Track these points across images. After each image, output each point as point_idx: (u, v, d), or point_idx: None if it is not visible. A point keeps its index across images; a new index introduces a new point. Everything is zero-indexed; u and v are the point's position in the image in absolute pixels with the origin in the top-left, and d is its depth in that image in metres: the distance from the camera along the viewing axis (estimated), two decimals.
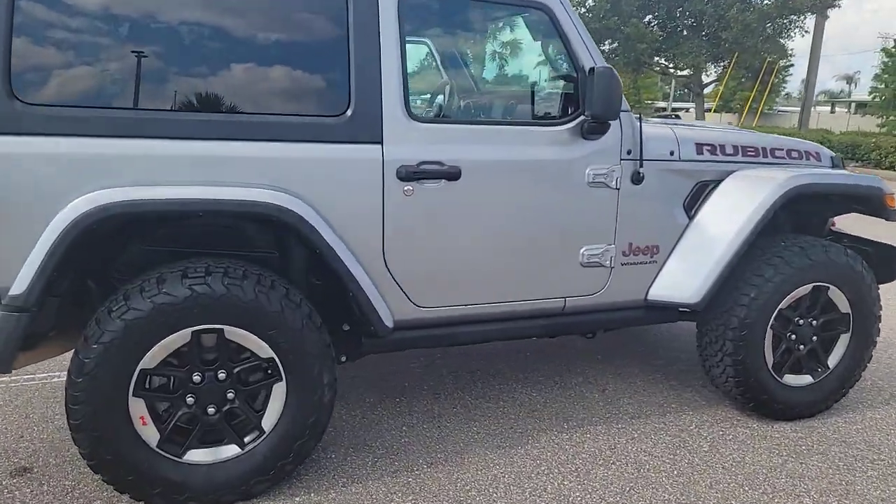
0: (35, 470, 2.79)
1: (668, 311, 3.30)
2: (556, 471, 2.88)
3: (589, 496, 2.70)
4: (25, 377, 3.68)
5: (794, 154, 3.51)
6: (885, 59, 29.39)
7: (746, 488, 2.80)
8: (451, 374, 3.89)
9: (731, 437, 3.24)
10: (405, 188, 2.68)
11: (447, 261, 2.83)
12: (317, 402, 2.59)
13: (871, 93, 31.87)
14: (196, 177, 2.41)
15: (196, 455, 2.53)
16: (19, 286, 2.24)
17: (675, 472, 2.90)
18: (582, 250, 3.04)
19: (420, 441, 3.10)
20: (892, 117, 27.33)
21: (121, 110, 2.36)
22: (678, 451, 3.07)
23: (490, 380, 3.83)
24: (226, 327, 2.44)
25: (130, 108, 2.37)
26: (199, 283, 2.37)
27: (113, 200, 2.27)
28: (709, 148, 3.26)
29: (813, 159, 3.58)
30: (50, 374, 3.74)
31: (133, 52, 2.37)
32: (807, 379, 3.40)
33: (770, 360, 3.28)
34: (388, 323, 2.71)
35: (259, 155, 2.48)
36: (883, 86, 29.31)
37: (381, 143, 2.64)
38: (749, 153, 3.36)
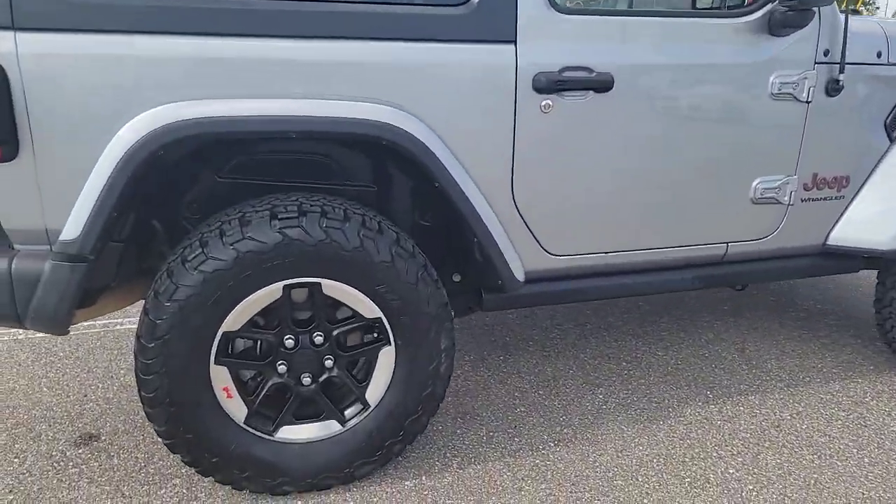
0: (102, 437, 2.41)
1: (851, 260, 2.67)
2: (714, 454, 2.36)
3: (766, 491, 2.18)
4: (85, 324, 3.31)
5: None
6: None
7: None
8: (557, 328, 3.37)
9: None
10: (542, 103, 2.08)
11: (588, 196, 2.24)
12: (432, 371, 2.10)
13: None
14: (274, 87, 1.86)
15: (290, 432, 2.09)
16: (72, 230, 1.77)
17: (867, 461, 2.34)
18: (755, 183, 2.41)
19: (538, 411, 2.61)
20: None
21: None
22: (861, 432, 2.51)
23: (603, 334, 3.30)
24: (324, 281, 1.95)
25: None
26: (291, 226, 1.86)
27: (183, 118, 1.75)
28: None
29: None
30: (112, 320, 3.36)
31: None
32: None
33: None
34: (519, 275, 2.17)
35: (355, 58, 1.90)
36: None
37: (514, 42, 2.03)
38: None
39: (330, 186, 2.21)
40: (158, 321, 1.84)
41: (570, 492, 2.15)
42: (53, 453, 2.32)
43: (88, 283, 1.83)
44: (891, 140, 2.56)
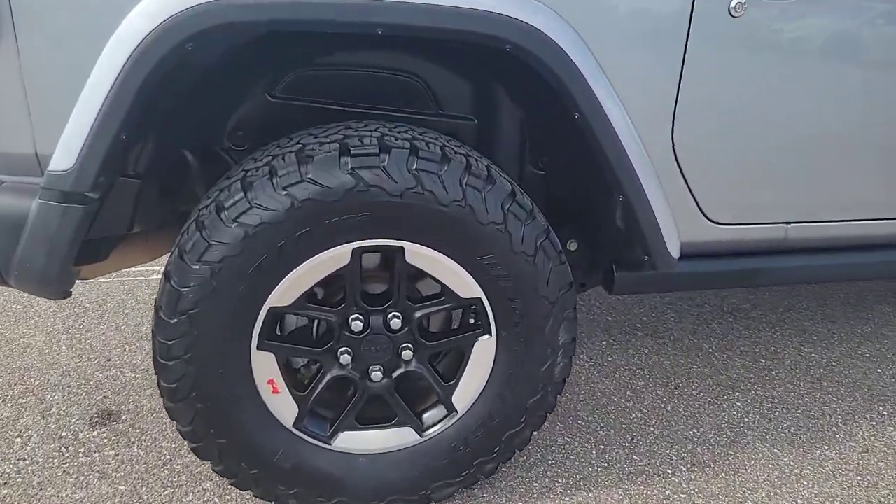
0: (123, 416, 1.97)
1: None
2: None
3: None
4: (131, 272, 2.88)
5: None
6: None
7: None
8: (670, 308, 2.77)
9: None
10: (731, 4, 1.45)
11: (776, 139, 1.62)
12: (544, 372, 1.56)
13: None
14: None
15: (352, 440, 1.58)
16: (64, 158, 1.25)
17: None
18: None
19: (659, 419, 2.05)
20: None
21: None
22: None
23: (729, 319, 2.69)
24: (408, 245, 1.41)
25: None
26: (368, 166, 1.31)
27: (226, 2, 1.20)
28: None
29: None
30: (149, 267, 2.93)
31: None
32: None
33: None
34: (674, 248, 1.58)
35: None
36: None
37: None
38: None
39: (415, 116, 1.65)
40: (184, 290, 1.33)
41: None
42: (63, 434, 1.89)
43: (90, 231, 1.33)
44: None
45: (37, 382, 2.12)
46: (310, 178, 1.30)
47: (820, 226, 1.73)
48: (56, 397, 2.05)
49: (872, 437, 2.01)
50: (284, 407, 1.51)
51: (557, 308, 1.50)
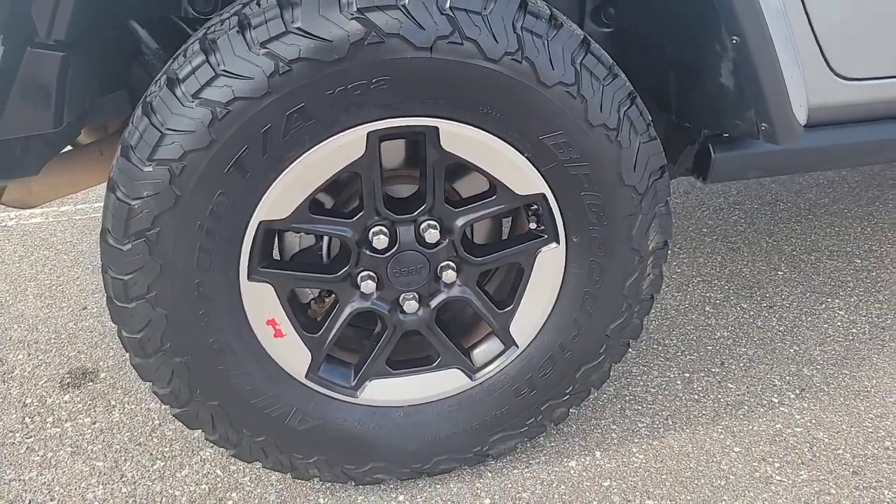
0: (101, 375, 1.63)
1: None
2: None
3: None
4: (96, 205, 2.51)
5: None
6: None
7: None
8: (736, 207, 2.38)
9: None
10: None
11: None
12: (630, 287, 1.18)
13: None
14: None
15: (384, 390, 1.23)
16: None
17: None
18: None
19: (751, 336, 1.69)
20: None
21: None
22: None
23: (809, 217, 2.29)
24: (443, 124, 1.00)
25: None
26: (382, 7, 0.90)
27: None
28: None
29: None
30: None
31: None
32: None
33: None
34: (801, 113, 1.16)
35: None
36: None
37: None
38: None
39: None
40: (135, 202, 0.95)
41: (854, 484, 1.26)
42: (28, 400, 1.56)
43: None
44: None
45: (0, 338, 1.77)
46: (298, 28, 0.89)
47: None
48: (20, 357, 1.70)
49: None
50: (292, 354, 1.15)
51: (648, 200, 1.11)
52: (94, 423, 1.48)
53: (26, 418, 1.50)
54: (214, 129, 0.91)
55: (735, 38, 1.06)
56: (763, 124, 1.14)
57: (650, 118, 1.09)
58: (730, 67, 1.12)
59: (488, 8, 0.94)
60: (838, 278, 1.93)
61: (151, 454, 1.39)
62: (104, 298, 1.84)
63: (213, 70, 0.90)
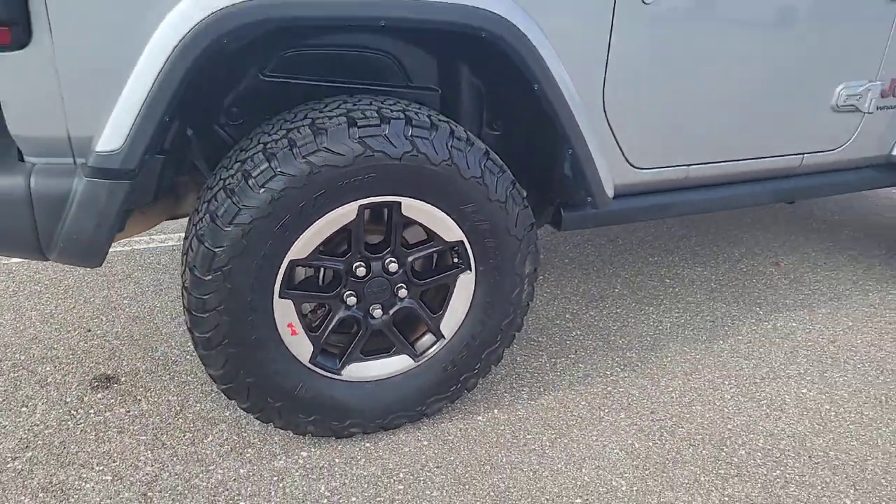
0: (122, 379, 2.12)
1: None
2: (782, 374, 2.29)
3: (842, 410, 2.13)
4: None
5: None
6: None
7: None
8: (589, 244, 3.20)
9: None
10: None
11: (678, 102, 2.01)
12: (514, 298, 1.89)
13: None
14: None
15: (359, 370, 1.86)
16: (113, 139, 1.41)
17: None
18: (839, 88, 2.23)
19: (595, 334, 2.47)
20: None
21: None
22: None
23: (637, 250, 3.15)
24: (404, 199, 1.67)
25: None
26: (373, 135, 1.56)
27: (254, 2, 1.38)
28: None
29: None
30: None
31: None
32: None
33: None
34: (609, 190, 1.94)
35: None
36: None
37: None
38: None
39: (387, 88, 1.89)
40: (218, 249, 1.53)
41: (652, 421, 2.04)
42: (68, 399, 2.02)
43: (130, 204, 1.50)
44: None
45: (22, 357, 2.20)
46: (325, 147, 1.53)
47: (711, 166, 2.16)
48: (48, 368, 2.15)
49: (753, 331, 2.52)
50: (301, 346, 1.76)
51: (524, 244, 1.83)
52: (128, 412, 1.98)
53: (72, 411, 1.97)
54: (272, 205, 1.52)
55: (570, 149, 1.82)
56: (588, 197, 1.91)
57: (525, 194, 1.81)
58: (569, 166, 1.88)
59: (432, 135, 1.62)
60: (654, 293, 2.76)
61: (181, 429, 1.92)
62: (103, 322, 2.34)
63: (273, 171, 1.51)
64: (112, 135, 1.40)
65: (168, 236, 3.10)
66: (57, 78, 1.41)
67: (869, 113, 2.32)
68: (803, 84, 2.16)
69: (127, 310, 2.49)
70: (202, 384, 2.11)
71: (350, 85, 1.86)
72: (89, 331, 2.36)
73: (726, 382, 2.22)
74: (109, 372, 2.15)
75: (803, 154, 2.31)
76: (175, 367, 2.18)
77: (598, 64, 1.84)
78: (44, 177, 1.46)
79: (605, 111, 1.91)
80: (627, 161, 2.02)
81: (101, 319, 2.43)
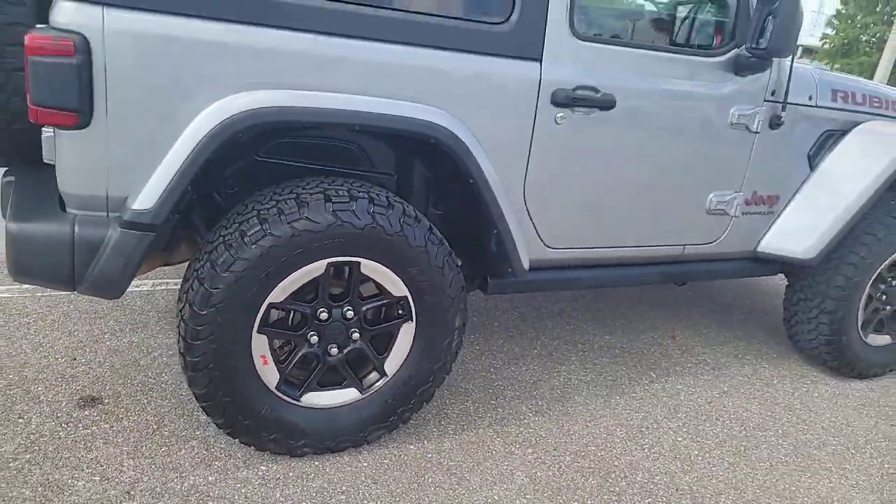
0: (105, 400, 2.46)
1: (771, 265, 3.18)
2: (664, 425, 2.78)
3: (708, 456, 2.62)
4: None
5: None
6: (840, 7, 29.58)
7: (853, 451, 2.78)
8: (516, 311, 3.70)
9: (816, 394, 3.21)
10: (557, 115, 2.36)
11: (583, 198, 2.57)
12: (446, 346, 2.34)
13: (822, 38, 31.90)
14: (345, 82, 2.02)
15: (315, 398, 2.26)
16: (147, 200, 1.85)
17: (781, 432, 2.85)
18: (711, 196, 2.83)
19: (513, 385, 2.92)
20: (837, 66, 27.77)
21: None
22: (774, 408, 3.03)
23: (557, 319, 3.66)
24: (363, 260, 2.13)
25: None
26: (343, 210, 2.03)
27: (275, 104, 1.88)
28: (842, 95, 3.05)
29: None
30: None
31: None
32: (885, 339, 3.40)
33: (860, 319, 3.25)
34: (526, 263, 2.45)
35: (407, 62, 2.10)
36: (834, 33, 29.65)
37: (540, 60, 2.29)
38: (875, 103, 3.18)
39: (354, 172, 2.38)
40: (214, 290, 1.95)
41: (554, 456, 2.48)
42: (59, 414, 2.35)
43: (150, 251, 1.92)
44: (811, 168, 3.08)
45: (16, 378, 2.52)
46: (306, 217, 1.99)
47: (609, 250, 2.71)
48: (40, 388, 2.47)
49: (645, 390, 3.02)
50: (270, 374, 2.16)
51: (456, 302, 2.29)
52: (111, 427, 2.32)
53: (63, 424, 2.30)
54: (261, 258, 1.96)
55: (496, 230, 2.33)
56: (509, 268, 2.41)
57: (459, 262, 2.30)
58: (494, 244, 2.38)
59: (389, 212, 2.10)
60: (566, 354, 3.25)
61: (157, 443, 2.27)
62: (87, 352, 2.68)
63: (264, 232, 1.96)
64: (147, 196, 1.84)
65: (143, 282, 3.45)
66: (106, 152, 1.85)
67: (736, 217, 2.92)
68: (682, 190, 2.75)
69: (108, 343, 2.83)
70: (175, 407, 2.46)
71: (325, 167, 2.34)
72: (75, 359, 2.69)
73: (618, 430, 2.70)
74: (94, 394, 2.48)
75: (685, 245, 2.89)
76: (152, 392, 2.53)
77: (520, 166, 2.38)
78: (86, 226, 1.88)
79: (525, 201, 2.44)
80: (542, 241, 2.55)
81: (85, 350, 2.76)
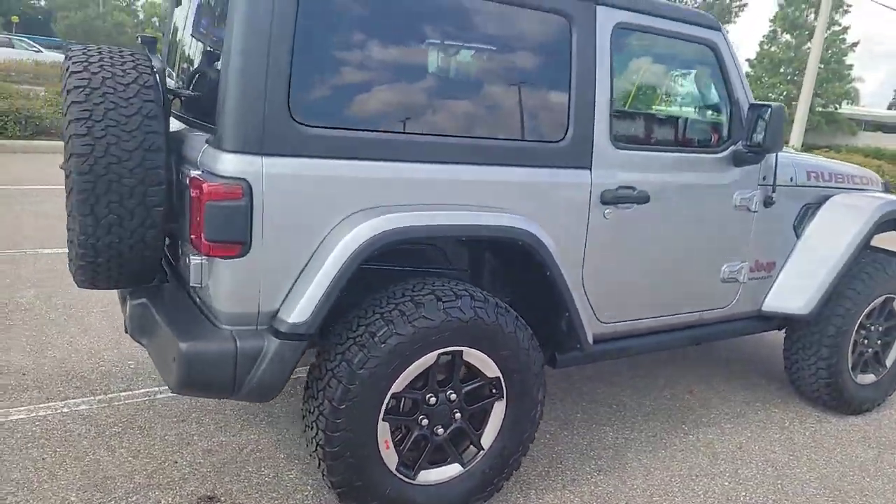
0: (222, 498, 2.65)
1: (773, 321, 3.67)
2: (710, 472, 3.15)
3: (754, 495, 2.99)
4: (123, 394, 3.41)
5: (865, 180, 3.99)
6: (748, 69, 32.12)
7: (868, 479, 3.21)
8: (549, 377, 4.04)
9: (823, 431, 3.67)
10: (605, 211, 2.81)
11: (627, 277, 3.00)
12: (532, 418, 2.67)
13: None
14: (444, 200, 2.42)
15: (426, 476, 2.54)
16: (302, 313, 2.15)
17: (806, 468, 3.26)
18: (724, 267, 3.31)
19: (572, 449, 3.25)
20: None
21: (389, 134, 2.33)
22: (793, 448, 3.45)
23: (589, 383, 4.03)
24: (465, 349, 2.47)
25: (399, 133, 2.36)
26: (452, 307, 2.38)
27: (403, 225, 2.24)
28: (814, 174, 3.65)
29: (872, 185, 4.08)
30: (150, 389, 3.48)
31: (400, 80, 2.39)
32: (871, 377, 3.91)
33: (850, 362, 3.75)
34: (590, 338, 2.83)
35: (494, 179, 2.53)
36: None
37: (589, 168, 2.75)
38: (838, 179, 3.79)
39: (435, 269, 2.74)
40: (351, 386, 2.25)
41: None
42: None
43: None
44: (797, 237, 3.62)
45: (131, 485, 2.68)
46: (423, 315, 2.33)
47: (648, 320, 3.13)
48: (157, 493, 2.64)
49: (683, 442, 3.40)
50: (391, 457, 2.44)
51: (539, 378, 2.64)
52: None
53: None
54: (389, 355, 2.27)
55: (567, 313, 2.71)
56: (578, 345, 2.79)
57: (539, 344, 2.65)
58: (565, 325, 2.76)
59: (486, 306, 2.45)
60: (608, 417, 3.61)
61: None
62: (187, 453, 2.88)
63: (391, 332, 2.27)
64: (303, 310, 2.15)
65: None
66: (260, 275, 2.16)
67: (744, 282, 3.41)
68: (702, 263, 3.23)
69: (200, 444, 3.02)
70: (285, 497, 2.68)
71: (411, 269, 2.70)
72: (175, 462, 2.87)
73: (672, 480, 3.05)
74: (208, 493, 2.68)
75: (704, 310, 3.34)
76: (261, 487, 2.74)
77: (579, 256, 2.79)
78: (245, 340, 2.16)
79: (583, 285, 2.85)
80: (596, 317, 2.94)
81: (182, 452, 2.94)
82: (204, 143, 2.25)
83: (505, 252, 2.75)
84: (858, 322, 3.69)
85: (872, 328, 3.83)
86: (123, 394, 3.42)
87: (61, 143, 2.39)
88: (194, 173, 2.19)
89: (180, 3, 3.08)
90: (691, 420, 3.67)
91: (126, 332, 3.08)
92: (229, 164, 2.10)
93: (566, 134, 2.68)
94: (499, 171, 2.54)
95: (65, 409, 3.23)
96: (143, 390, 3.46)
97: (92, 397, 3.35)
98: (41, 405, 3.23)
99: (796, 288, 3.54)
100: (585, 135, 2.72)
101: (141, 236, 2.33)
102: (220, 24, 2.41)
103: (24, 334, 4.03)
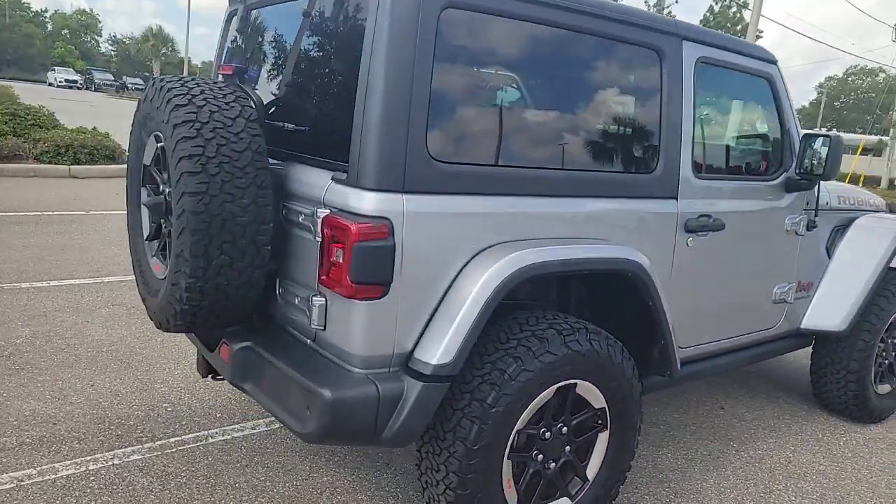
0: None
1: (808, 338, 3.84)
2: (774, 488, 3.25)
3: None
4: (173, 439, 3.20)
5: (875, 203, 4.26)
6: None
7: None
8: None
9: (854, 441, 3.86)
10: (688, 239, 2.88)
11: (704, 302, 3.08)
12: (630, 446, 2.69)
13: None
14: (557, 233, 2.42)
15: None
16: (446, 354, 2.09)
17: (854, 479, 3.42)
18: (775, 288, 3.45)
19: (641, 473, 3.27)
20: None
21: (516, 169, 2.32)
22: (836, 458, 3.61)
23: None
24: (579, 381, 2.46)
25: (524, 167, 2.36)
26: (572, 341, 2.37)
27: (538, 260, 2.22)
28: (843, 199, 3.87)
29: (880, 207, 4.36)
30: (200, 433, 3.28)
31: (525, 117, 2.46)
32: (887, 387, 4.15)
33: (872, 374, 3.97)
34: (678, 364, 2.88)
35: (602, 209, 2.57)
36: None
37: (676, 198, 2.81)
38: (860, 203, 4.03)
39: (530, 302, 2.73)
40: (486, 426, 2.20)
41: None
42: None
43: None
44: (829, 257, 3.82)
45: None
46: (548, 350, 2.31)
47: (717, 342, 3.22)
48: None
49: (738, 459, 3.50)
50: (511, 496, 2.39)
51: (637, 407, 2.66)
52: None
53: None
54: (519, 391, 2.23)
55: (663, 340, 2.75)
56: (668, 372, 2.83)
57: (639, 373, 2.67)
58: (658, 352, 2.79)
59: (598, 339, 2.45)
60: (661, 438, 3.67)
61: None
62: (262, 500, 2.73)
63: (520, 368, 2.23)
64: (447, 350, 2.08)
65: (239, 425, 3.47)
66: (397, 316, 2.09)
67: (790, 303, 3.56)
68: (761, 285, 3.36)
69: (273, 490, 2.87)
70: None
71: (510, 301, 2.66)
72: None
73: (746, 500, 3.13)
74: None
75: (756, 331, 3.46)
76: None
77: (667, 279, 2.84)
78: (385, 383, 2.07)
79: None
80: (677, 343, 3.00)
81: (261, 500, 2.78)
82: (328, 181, 2.16)
83: (597, 283, 2.77)
84: (881, 336, 3.92)
85: (890, 341, 4.07)
86: (172, 440, 3.20)
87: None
88: (323, 212, 2.10)
89: (257, 34, 2.94)
90: (736, 436, 3.78)
91: (204, 377, 2.94)
92: (372, 203, 2.02)
93: (657, 166, 2.73)
94: (606, 203, 2.57)
95: (115, 461, 2.99)
96: (191, 435, 3.25)
97: (140, 446, 3.12)
98: (88, 458, 2.99)
99: (832, 306, 3.72)
100: (673, 167, 2.78)
101: (249, 277, 2.22)
102: (337, 59, 2.35)
103: (37, 379, 3.72)
